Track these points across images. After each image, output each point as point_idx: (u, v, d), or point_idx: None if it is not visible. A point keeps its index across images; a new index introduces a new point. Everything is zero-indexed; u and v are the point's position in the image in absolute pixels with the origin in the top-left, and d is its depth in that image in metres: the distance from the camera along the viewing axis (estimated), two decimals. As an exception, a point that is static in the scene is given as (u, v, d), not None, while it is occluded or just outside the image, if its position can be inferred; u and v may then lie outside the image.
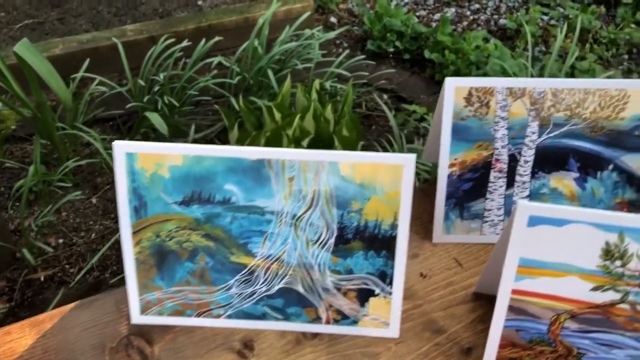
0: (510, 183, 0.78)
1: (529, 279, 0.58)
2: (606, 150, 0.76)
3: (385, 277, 0.65)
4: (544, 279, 0.57)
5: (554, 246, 0.56)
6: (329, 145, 1.91)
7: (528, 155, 0.76)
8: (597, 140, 0.76)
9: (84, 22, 2.95)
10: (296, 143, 1.89)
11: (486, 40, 2.78)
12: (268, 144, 1.96)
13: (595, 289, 0.57)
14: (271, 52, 2.30)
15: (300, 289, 0.66)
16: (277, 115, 1.98)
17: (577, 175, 0.77)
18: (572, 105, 0.74)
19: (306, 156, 0.59)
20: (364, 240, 0.63)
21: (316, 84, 2.12)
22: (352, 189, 0.61)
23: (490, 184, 0.78)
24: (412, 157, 0.60)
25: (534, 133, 0.75)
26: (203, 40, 2.26)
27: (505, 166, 0.77)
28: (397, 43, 2.76)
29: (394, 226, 0.62)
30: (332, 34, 2.43)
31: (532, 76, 2.23)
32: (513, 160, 0.77)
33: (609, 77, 2.36)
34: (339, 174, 0.61)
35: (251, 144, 1.92)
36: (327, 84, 2.27)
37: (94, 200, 2.05)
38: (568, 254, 0.56)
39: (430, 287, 0.75)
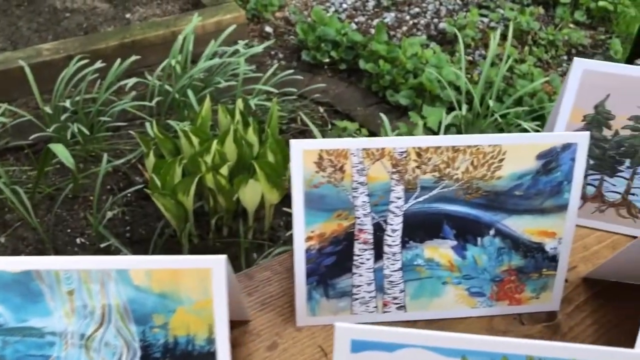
0: (379, 255, 0.67)
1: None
2: (485, 214, 0.66)
3: (210, 397, 0.54)
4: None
5: (385, 374, 0.45)
6: (251, 172, 1.80)
7: (395, 224, 0.66)
8: (473, 204, 0.65)
9: (1, 39, 2.76)
10: (214, 171, 1.77)
11: (425, 46, 2.69)
12: (185, 172, 1.83)
13: None
14: (192, 69, 2.17)
15: (108, 417, 0.55)
16: (195, 140, 1.85)
17: (454, 243, 0.67)
18: (440, 166, 0.64)
19: (86, 264, 0.48)
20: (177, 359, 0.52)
21: (239, 103, 1.99)
22: (151, 301, 0.50)
23: (355, 258, 0.67)
24: (222, 259, 0.49)
25: (399, 198, 0.65)
26: (118, 60, 2.12)
27: (370, 237, 0.66)
28: (333, 53, 2.64)
29: (210, 341, 0.51)
30: (259, 48, 2.30)
31: (465, 84, 2.15)
32: (379, 230, 0.66)
33: (547, 80, 2.30)
34: (132, 284, 0.49)
35: (166, 172, 1.79)
36: (253, 102, 2.15)
37: (2, 240, 1.89)
38: (406, 382, 0.46)
39: (287, 386, 0.65)
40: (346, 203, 0.64)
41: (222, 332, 0.52)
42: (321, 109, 2.51)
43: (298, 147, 0.61)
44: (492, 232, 0.66)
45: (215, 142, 1.77)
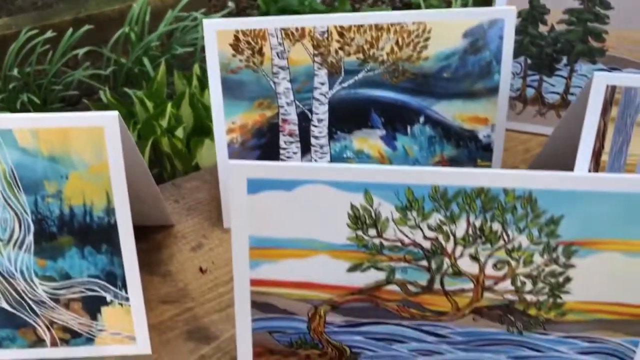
0: (306, 148, 0.64)
1: (267, 263, 0.44)
2: (413, 100, 0.64)
3: (115, 278, 0.50)
4: (287, 262, 0.44)
5: (288, 217, 0.42)
6: (209, 135, 1.76)
7: (321, 112, 0.63)
8: (400, 88, 0.63)
9: (-49, 20, 2.67)
10: (169, 133, 1.72)
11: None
12: (140, 136, 1.79)
13: (352, 269, 0.44)
14: (146, 38, 2.12)
15: (5, 305, 0.51)
16: (149, 105, 1.81)
17: (383, 132, 0.65)
18: (364, 46, 0.61)
19: (-35, 126, 0.44)
20: (75, 234, 0.48)
21: (196, 68, 1.95)
22: (41, 166, 0.46)
23: (282, 151, 0.64)
24: (114, 115, 0.45)
25: (323, 84, 0.62)
26: (70, 30, 2.06)
27: (295, 128, 0.63)
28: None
29: (109, 211, 0.48)
30: (217, 16, 2.27)
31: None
32: (304, 120, 0.63)
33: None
34: (17, 146, 0.46)
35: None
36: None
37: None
38: (309, 226, 0.42)
39: (210, 284, 0.61)
40: (267, 90, 0.61)
41: (121, 201, 0.48)
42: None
43: (211, 28, 0.58)
44: (421, 119, 0.64)
45: (169, 105, 1.73)
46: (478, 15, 0.60)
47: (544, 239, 0.41)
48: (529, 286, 0.43)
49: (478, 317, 0.45)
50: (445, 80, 0.62)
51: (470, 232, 0.41)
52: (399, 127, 0.64)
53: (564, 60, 0.75)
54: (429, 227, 0.42)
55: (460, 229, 0.41)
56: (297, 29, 0.59)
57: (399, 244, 0.42)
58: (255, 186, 0.41)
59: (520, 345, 0.45)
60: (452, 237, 0.42)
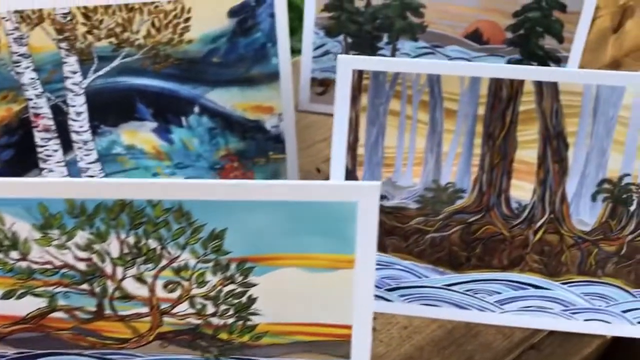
0: (68, 145, 0.58)
1: None
2: (183, 88, 0.57)
3: None
4: None
5: None
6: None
7: (78, 104, 0.57)
8: (165, 75, 0.56)
9: None
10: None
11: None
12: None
13: (5, 296, 0.38)
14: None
15: None
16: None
17: (154, 124, 0.59)
18: (116, 30, 0.54)
19: None
20: None
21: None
22: None
23: (39, 149, 0.58)
24: None
25: (75, 72, 0.56)
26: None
27: (51, 122, 0.57)
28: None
29: None
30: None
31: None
32: (60, 114, 0.57)
33: None
34: None
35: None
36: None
37: None
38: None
39: None
40: (10, 81, 0.54)
41: None
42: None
43: None
44: (196, 109, 0.57)
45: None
46: (243, -8, 0.54)
47: (211, 256, 0.36)
48: (210, 308, 0.38)
49: (166, 343, 0.39)
50: (216, 65, 0.56)
51: (125, 250, 0.36)
52: (171, 118, 0.58)
53: (385, 38, 0.69)
54: (78, 247, 0.36)
55: (114, 247, 0.36)
56: (33, 12, 0.52)
57: (50, 266, 0.36)
58: None
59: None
60: (107, 257, 0.36)
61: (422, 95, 0.46)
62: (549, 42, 0.66)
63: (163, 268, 0.36)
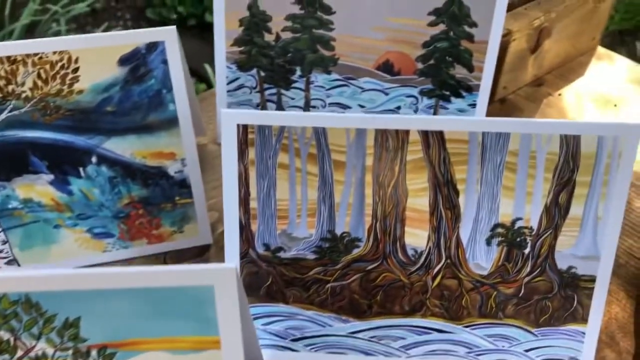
0: (-41, 201, 0.56)
1: None
2: (78, 139, 0.55)
3: None
4: None
5: None
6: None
7: (-34, 161, 0.55)
8: (58, 127, 0.55)
9: None
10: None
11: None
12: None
13: None
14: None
15: None
16: None
17: (51, 177, 0.57)
18: (0, 83, 0.53)
19: None
20: None
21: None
22: None
23: None
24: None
25: (-41, 129, 0.54)
26: None
27: (-62, 180, 0.55)
28: (180, 8, 2.48)
29: None
30: (80, 6, 2.11)
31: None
32: (-52, 171, 0.55)
33: None
34: None
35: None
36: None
37: None
38: None
39: None
40: None
41: None
42: (169, 70, 2.36)
43: None
44: (94, 159, 0.56)
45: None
46: (132, 39, 0.52)
47: (69, 344, 0.34)
48: (77, 393, 0.37)
49: None
50: (111, 114, 0.54)
51: (-23, 342, 0.34)
52: (68, 169, 0.56)
53: (298, 71, 0.68)
54: None
55: (-36, 340, 0.34)
56: None
57: None
58: None
59: None
60: (-40, 350, 0.35)
61: (310, 148, 0.46)
62: (459, 71, 0.66)
63: (20, 359, 0.35)
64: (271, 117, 0.45)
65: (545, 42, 0.79)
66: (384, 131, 0.45)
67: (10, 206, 0.56)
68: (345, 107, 0.69)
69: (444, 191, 0.46)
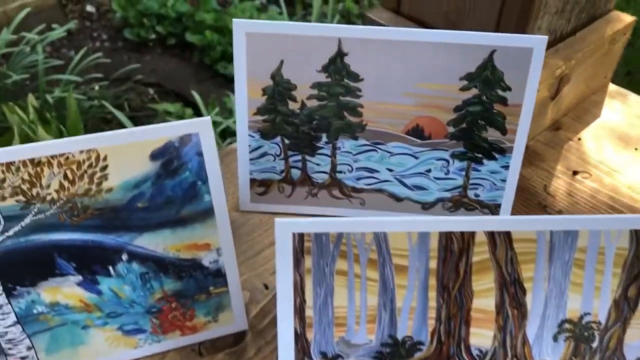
0: (-19, 310, 0.52)
1: None
2: (107, 238, 0.52)
3: None
4: None
5: None
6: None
7: (-13, 269, 0.51)
8: (86, 227, 0.51)
9: None
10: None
11: (261, 9, 2.52)
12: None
13: None
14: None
15: None
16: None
17: (79, 279, 0.53)
18: (22, 187, 0.49)
19: None
20: None
21: (31, 99, 1.75)
22: None
23: (-53, 320, 0.52)
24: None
25: (-21, 237, 0.50)
26: None
27: (-43, 291, 0.51)
28: (159, 28, 2.42)
29: None
30: (56, 32, 2.04)
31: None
32: (-33, 281, 0.51)
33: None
34: None
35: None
36: (51, 95, 1.89)
37: None
38: None
39: None
40: None
41: None
42: (151, 91, 2.30)
43: None
44: (124, 256, 0.52)
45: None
46: (164, 133, 0.49)
47: None
48: None
49: None
50: (142, 210, 0.51)
51: None
52: (97, 269, 0.52)
53: (324, 138, 0.66)
54: None
55: None
56: None
57: None
58: None
59: None
60: None
61: (370, 254, 0.43)
62: (491, 134, 0.64)
63: None
64: (329, 225, 0.42)
65: (564, 89, 0.78)
66: (448, 233, 0.43)
67: (35, 311, 0.52)
68: (373, 171, 0.67)
69: (511, 290, 0.44)
